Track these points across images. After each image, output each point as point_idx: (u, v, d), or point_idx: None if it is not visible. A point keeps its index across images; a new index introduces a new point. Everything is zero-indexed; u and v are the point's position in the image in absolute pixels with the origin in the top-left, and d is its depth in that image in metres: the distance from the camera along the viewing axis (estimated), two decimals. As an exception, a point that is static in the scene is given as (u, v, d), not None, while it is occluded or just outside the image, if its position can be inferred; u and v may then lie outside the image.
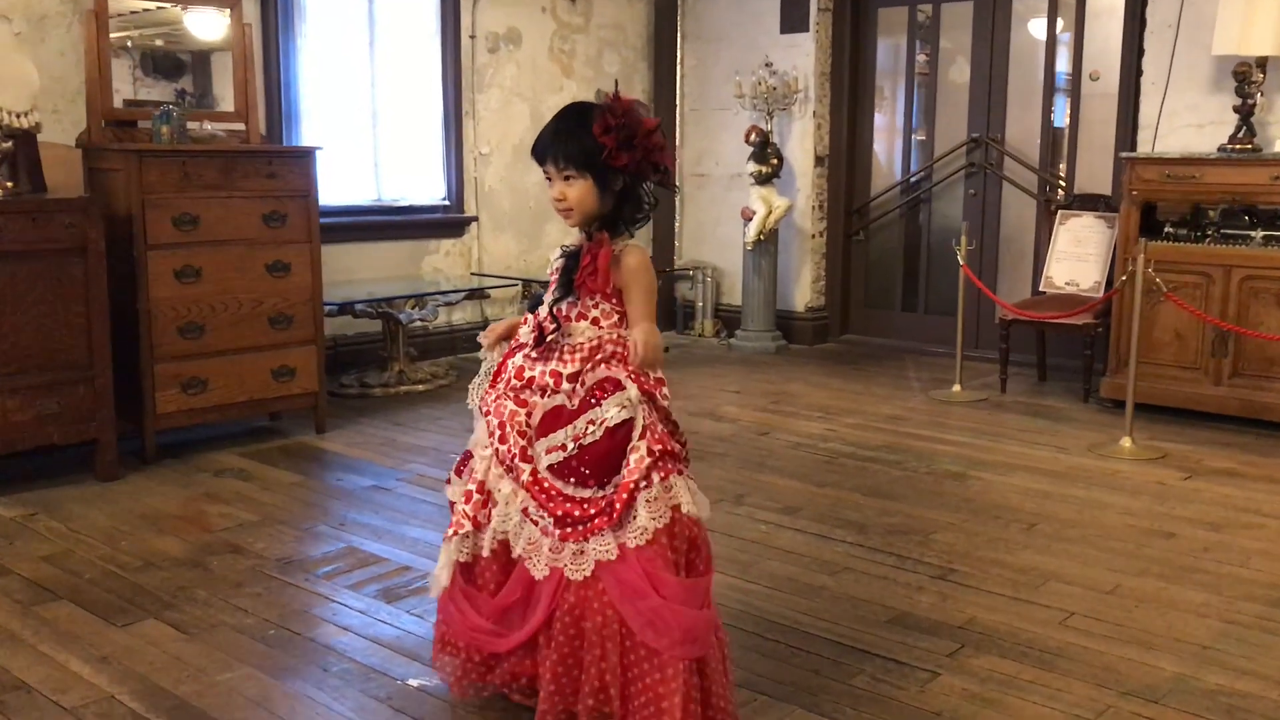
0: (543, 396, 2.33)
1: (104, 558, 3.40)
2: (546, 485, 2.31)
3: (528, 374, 2.37)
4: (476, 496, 2.39)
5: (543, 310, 2.42)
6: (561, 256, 2.44)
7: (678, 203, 7.57)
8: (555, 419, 2.32)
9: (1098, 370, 5.50)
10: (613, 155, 2.27)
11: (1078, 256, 5.81)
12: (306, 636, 2.87)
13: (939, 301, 6.88)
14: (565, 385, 2.31)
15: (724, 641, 2.45)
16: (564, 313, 2.38)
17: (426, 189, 6.37)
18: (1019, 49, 6.49)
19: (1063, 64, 6.44)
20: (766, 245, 6.83)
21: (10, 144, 4.04)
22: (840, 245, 7.22)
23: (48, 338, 3.97)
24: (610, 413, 2.29)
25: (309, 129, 5.73)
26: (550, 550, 2.28)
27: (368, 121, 6.03)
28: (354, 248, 6.01)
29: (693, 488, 2.34)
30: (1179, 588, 3.25)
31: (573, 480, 2.30)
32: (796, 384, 6.00)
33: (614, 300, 2.35)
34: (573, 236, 2.47)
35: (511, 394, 2.37)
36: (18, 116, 3.95)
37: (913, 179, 7.04)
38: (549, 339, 2.36)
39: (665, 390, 2.42)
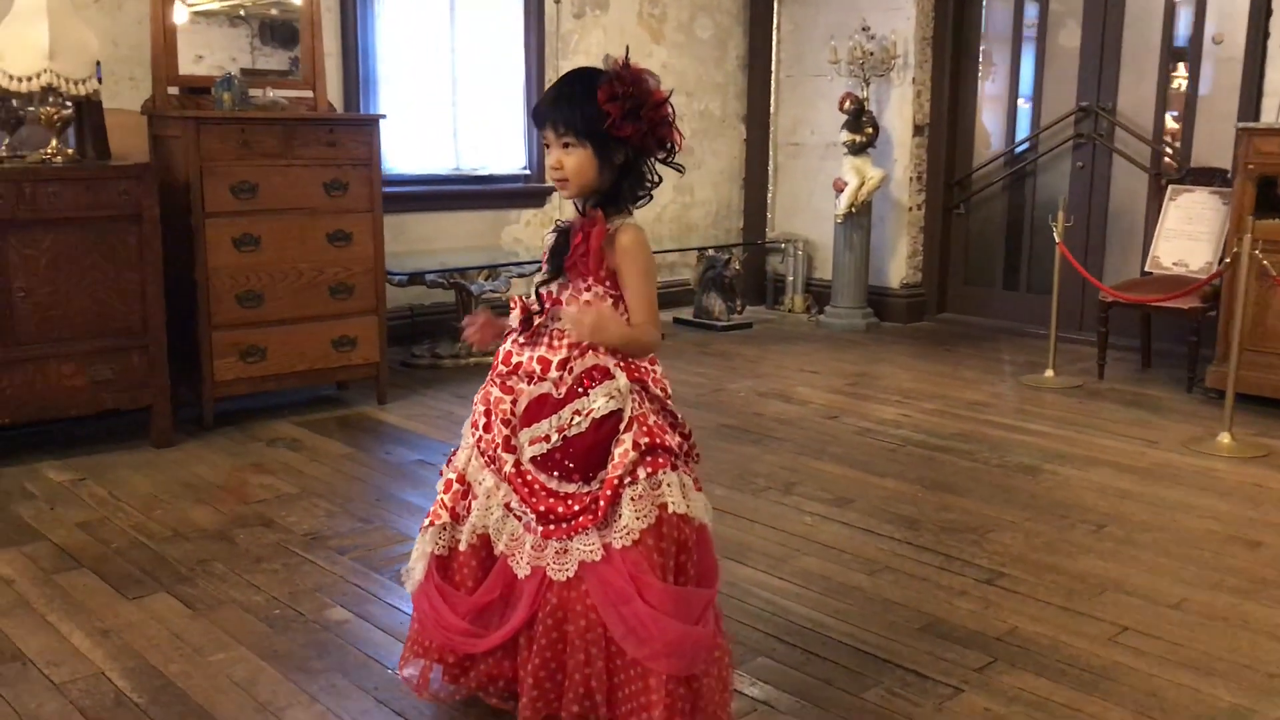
0: (529, 383, 2.18)
1: (135, 526, 3.41)
2: (530, 478, 2.16)
3: (515, 359, 2.22)
4: (456, 487, 2.26)
5: (530, 293, 2.28)
6: (553, 233, 2.28)
7: (770, 172, 7.34)
8: (540, 408, 2.16)
9: (1205, 358, 5.11)
10: (616, 125, 2.09)
11: (1189, 235, 5.40)
12: (311, 618, 2.80)
13: (1043, 280, 6.49)
14: (553, 372, 2.15)
15: (726, 651, 2.29)
16: (554, 295, 2.22)
17: (507, 158, 6.28)
18: (1135, 10, 6.05)
19: (1183, 26, 5.98)
20: (859, 218, 6.55)
21: (70, 110, 4.07)
22: (939, 219, 6.89)
23: (102, 304, 4.00)
24: (597, 403, 2.13)
25: (386, 96, 5.69)
26: (533, 548, 2.15)
27: (447, 89, 5.96)
28: (431, 217, 5.97)
29: (687, 485, 2.17)
30: (1255, 605, 2.95)
31: (557, 474, 2.15)
32: (881, 365, 5.75)
33: (608, 283, 2.18)
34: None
35: (498, 380, 2.23)
36: (76, 84, 3.96)
37: (1017, 150, 6.66)
38: (536, 323, 2.22)
39: (658, 371, 2.23)
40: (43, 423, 4.08)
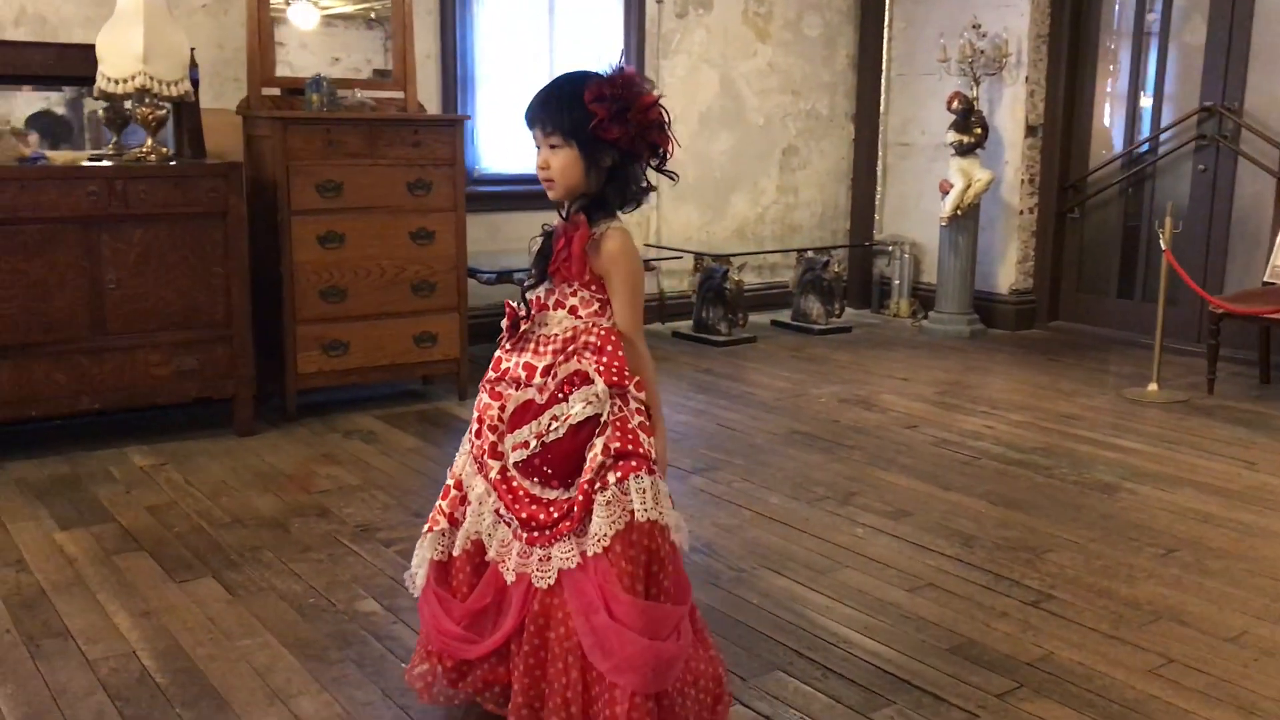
0: (516, 389, 2.18)
1: (200, 512, 3.55)
2: (514, 485, 2.17)
3: (504, 365, 2.21)
4: (454, 493, 2.27)
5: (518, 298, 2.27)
6: (539, 237, 2.26)
7: (879, 173, 7.19)
8: (524, 414, 2.16)
9: (1323, 375, 4.80)
10: (603, 126, 2.07)
11: (1312, 243, 5.08)
12: (341, 610, 2.87)
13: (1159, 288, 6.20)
14: (538, 378, 2.15)
15: (716, 662, 2.26)
16: (541, 300, 2.21)
17: (604, 157, 6.29)
18: (1266, 5, 5.71)
19: (1317, 22, 5.63)
20: (965, 221, 6.37)
21: (165, 111, 4.25)
22: (1052, 223, 6.64)
23: (188, 297, 4.17)
24: (575, 408, 2.11)
25: (483, 96, 5.78)
26: (519, 555, 2.15)
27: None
28: (525, 216, 6.00)
29: (661, 493, 2.14)
30: (1322, 642, 2.76)
31: (538, 480, 2.15)
32: (976, 373, 5.57)
33: (594, 287, 2.16)
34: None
35: (487, 386, 2.23)
36: (169, 85, 4.13)
37: (1135, 152, 6.37)
38: (523, 329, 2.21)
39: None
40: (130, 410, 4.28)
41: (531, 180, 6.51)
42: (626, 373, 2.12)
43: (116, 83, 4.07)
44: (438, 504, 2.29)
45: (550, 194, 2.20)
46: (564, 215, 2.21)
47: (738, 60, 6.70)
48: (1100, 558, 3.26)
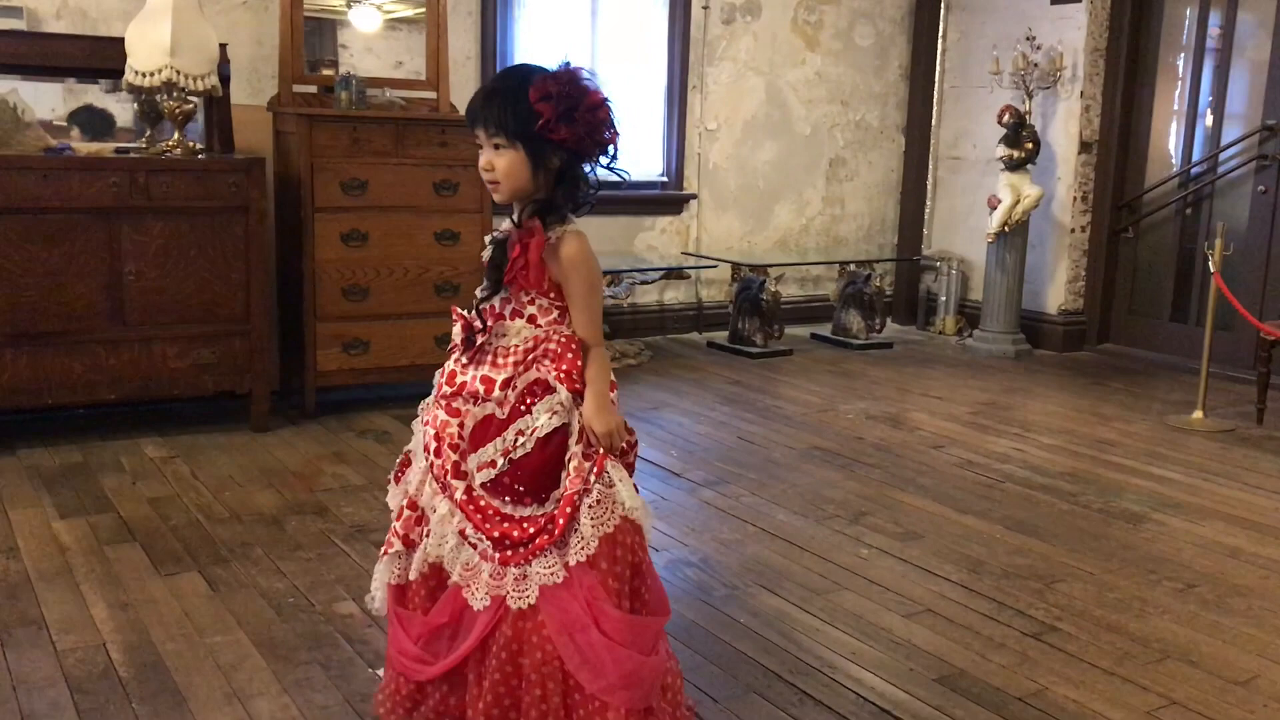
0: (475, 404, 2.07)
1: (200, 506, 3.54)
2: (483, 504, 2.06)
3: (459, 379, 2.10)
4: (408, 513, 2.16)
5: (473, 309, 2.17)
6: (490, 245, 2.13)
7: (929, 187, 7.04)
8: (485, 430, 2.06)
9: (1379, 408, 4.57)
10: (549, 127, 1.96)
11: (1372, 270, 4.85)
12: (319, 610, 2.83)
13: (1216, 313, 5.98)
14: (497, 392, 2.05)
15: (675, 674, 2.18)
16: (497, 310, 2.10)
17: (644, 164, 6.24)
18: (1334, 21, 5.49)
19: (1388, 39, 5.39)
20: (1013, 239, 6.19)
21: (192, 105, 4.27)
22: (1104, 242, 6.43)
23: (207, 291, 4.18)
24: (540, 420, 2.03)
25: (522, 99, 5.74)
26: (491, 576, 2.04)
27: (584, 93, 5.95)
28: (563, 220, 5.98)
29: (629, 481, 2.07)
30: (1340, 691, 2.60)
31: (508, 499, 2.05)
32: (1015, 394, 5.41)
33: (551, 294, 2.06)
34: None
35: (443, 402, 2.11)
36: (196, 79, 4.15)
37: (1193, 171, 6.15)
38: (479, 341, 2.09)
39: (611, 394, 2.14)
40: (146, 401, 4.30)
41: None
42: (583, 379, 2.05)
43: (144, 75, 4.10)
44: (392, 525, 2.18)
45: (496, 197, 2.10)
46: (515, 221, 2.11)
47: (785, 68, 6.60)
48: (1113, 590, 3.12)
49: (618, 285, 5.65)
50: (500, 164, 2.02)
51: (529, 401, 2.05)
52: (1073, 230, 6.40)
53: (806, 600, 2.99)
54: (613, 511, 2.02)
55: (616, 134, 2.04)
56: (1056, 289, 6.48)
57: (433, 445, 2.12)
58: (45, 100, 4.49)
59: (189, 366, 4.19)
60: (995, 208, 6.17)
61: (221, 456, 4.04)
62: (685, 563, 3.22)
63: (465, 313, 2.12)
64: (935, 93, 6.94)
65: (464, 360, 2.11)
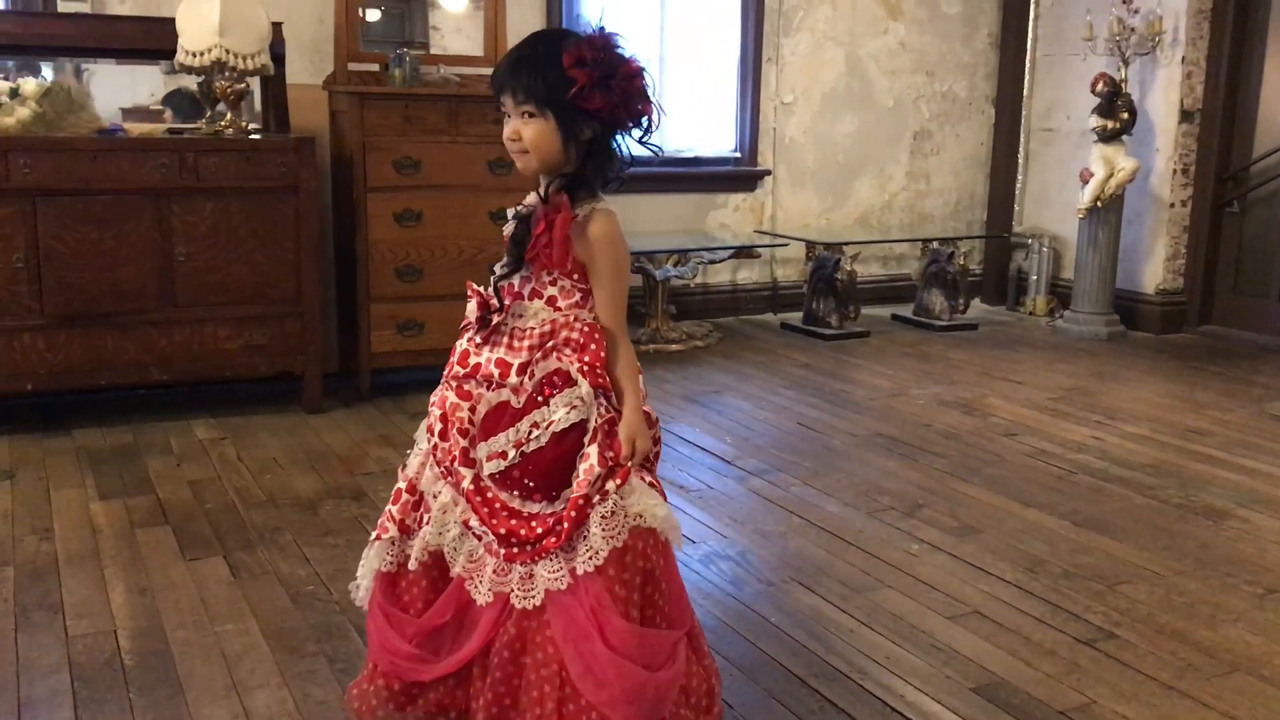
0: (489, 389, 1.96)
1: (239, 489, 3.51)
2: (490, 496, 1.94)
3: (473, 360, 1.98)
4: (406, 497, 2.05)
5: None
6: (513, 220, 2.02)
7: (1021, 160, 6.72)
8: (499, 419, 1.94)
9: None
10: (584, 94, 1.84)
11: None
12: (333, 601, 2.76)
13: (1327, 292, 5.59)
14: (513, 378, 1.93)
15: (712, 673, 2.06)
16: (515, 289, 1.98)
17: (716, 140, 6.06)
18: None
19: None
20: (1106, 214, 5.86)
21: (244, 85, 4.24)
22: (1207, 217, 6.05)
23: (258, 272, 4.15)
24: (557, 414, 1.90)
25: (589, 75, 5.62)
26: (495, 572, 1.93)
27: (654, 69, 5.78)
28: (631, 199, 5.82)
29: (653, 491, 1.95)
30: None
31: (517, 493, 1.93)
32: (1103, 379, 5.11)
33: (575, 276, 1.94)
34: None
35: (454, 384, 1.99)
36: (246, 59, 4.12)
37: (1306, 140, 5.74)
38: (495, 321, 1.98)
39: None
40: (198, 382, 4.30)
41: (638, 162, 6.44)
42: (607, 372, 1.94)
43: (194, 55, 4.08)
44: (387, 509, 2.07)
45: (522, 168, 1.97)
46: (542, 195, 1.99)
47: (866, 38, 6.35)
48: (1183, 594, 2.88)
49: (684, 265, 5.50)
50: (528, 133, 1.90)
51: (547, 392, 1.92)
52: (1172, 205, 6.04)
53: (844, 599, 2.82)
54: (626, 522, 1.90)
55: (651, 105, 1.92)
56: (1154, 267, 6.13)
57: (437, 427, 2.00)
58: (144, 84, 4.51)
59: (241, 348, 4.18)
60: (1087, 182, 5.85)
61: (270, 438, 4.02)
62: (721, 556, 3.08)
63: (482, 289, 2.00)
64: (1027, 61, 6.62)
65: (478, 340, 1.99)
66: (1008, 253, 6.79)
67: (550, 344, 1.94)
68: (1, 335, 3.83)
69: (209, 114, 4.36)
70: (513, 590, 1.91)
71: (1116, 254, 5.95)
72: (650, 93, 1.93)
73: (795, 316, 6.09)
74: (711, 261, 5.66)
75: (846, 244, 5.85)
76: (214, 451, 3.87)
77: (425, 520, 2.02)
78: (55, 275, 3.86)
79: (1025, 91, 6.64)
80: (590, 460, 1.90)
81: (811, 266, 5.90)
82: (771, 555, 3.09)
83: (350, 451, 3.90)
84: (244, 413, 4.30)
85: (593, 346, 1.94)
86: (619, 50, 1.89)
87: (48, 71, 4.42)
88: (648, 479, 1.98)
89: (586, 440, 1.91)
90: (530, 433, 1.92)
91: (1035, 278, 6.56)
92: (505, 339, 1.97)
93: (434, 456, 2.01)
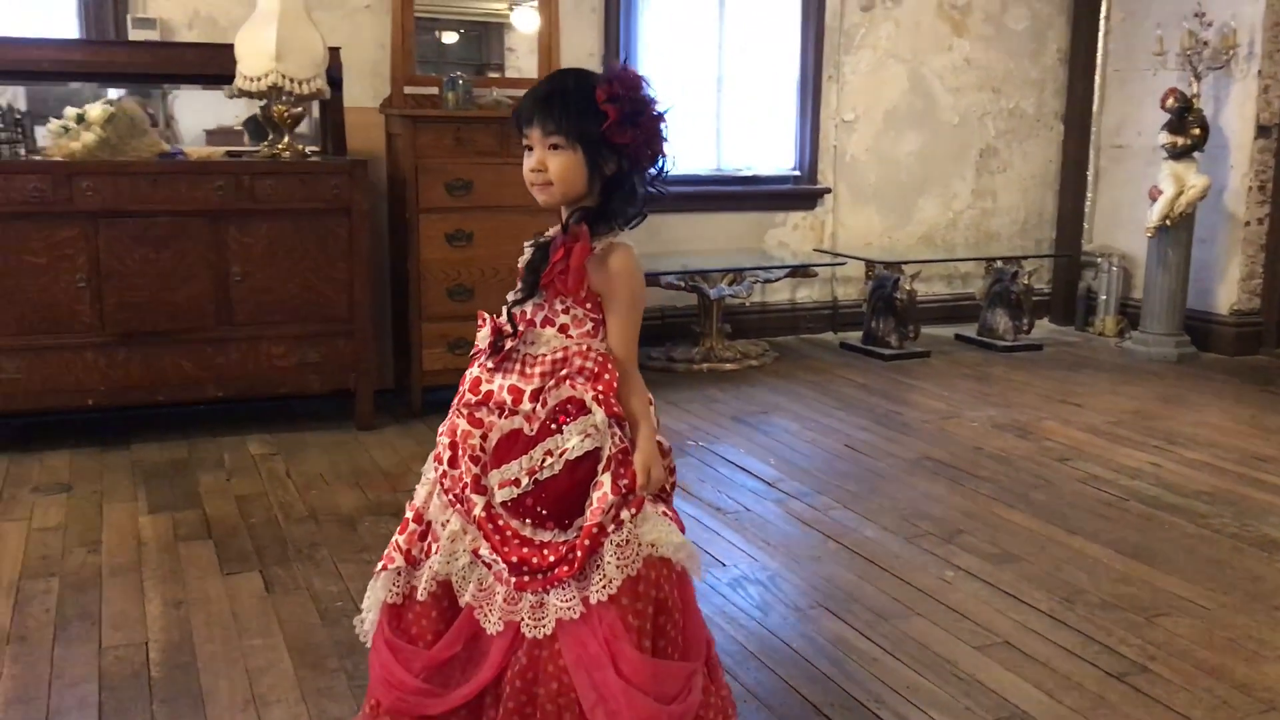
0: (500, 416, 1.96)
1: (283, 504, 3.58)
2: (501, 524, 1.94)
3: (485, 387, 1.98)
4: (413, 527, 2.04)
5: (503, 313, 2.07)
6: (531, 247, 2.04)
7: (1090, 178, 6.58)
8: (511, 446, 1.94)
9: None
10: (614, 129, 1.88)
11: None
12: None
13: None
14: (525, 405, 1.93)
15: (728, 703, 2.05)
16: (528, 316, 1.99)
17: (774, 158, 6.04)
18: None
19: None
20: (1176, 233, 5.72)
21: (300, 109, 4.35)
22: (1285, 236, 5.87)
23: (311, 291, 4.24)
24: (571, 442, 1.90)
25: (646, 95, 5.64)
26: (506, 601, 1.93)
27: (712, 86, 5.82)
28: (689, 218, 5.86)
29: (668, 522, 1.95)
30: None
31: (529, 521, 1.93)
32: (1168, 402, 4.97)
33: (589, 305, 1.95)
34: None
35: (465, 411, 2.00)
36: (301, 84, 4.22)
37: (1388, 156, 5.53)
38: (508, 347, 1.98)
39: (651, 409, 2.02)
40: (253, 399, 4.40)
41: (690, 181, 6.40)
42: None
43: (251, 81, 4.19)
44: (394, 539, 2.06)
45: (543, 199, 1.97)
46: (563, 225, 2.01)
47: (930, 55, 6.28)
48: (1227, 628, 2.79)
49: (739, 284, 5.48)
50: (555, 165, 1.92)
51: (561, 420, 1.92)
52: (1247, 223, 5.86)
53: (871, 626, 2.78)
54: (639, 554, 1.90)
55: (669, 147, 1.97)
56: (1228, 287, 5.95)
57: (446, 455, 2.01)
58: (229, 107, 4.63)
59: (294, 365, 4.27)
60: (1156, 199, 5.71)
61: (320, 454, 4.09)
62: (750, 580, 3.06)
63: (494, 316, 2.02)
64: (1097, 77, 6.48)
65: (489, 366, 2.00)
66: (1077, 272, 6.65)
67: (564, 371, 1.94)
68: (64, 352, 3.97)
69: (270, 137, 4.47)
70: (523, 619, 1.91)
71: (1187, 273, 5.80)
72: (667, 135, 1.96)
73: (855, 336, 6.03)
74: (767, 280, 5.63)
75: (905, 263, 5.78)
76: (264, 467, 3.95)
77: (433, 550, 2.01)
78: (116, 294, 3.99)
79: (1095, 108, 6.51)
80: (604, 488, 1.89)
81: (871, 285, 5.84)
82: (802, 580, 3.06)
83: (395, 468, 3.95)
84: (298, 429, 4.39)
85: (606, 376, 1.93)
86: (647, 90, 1.93)
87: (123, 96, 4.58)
88: (661, 509, 1.97)
89: (600, 468, 1.91)
90: (544, 460, 1.91)
91: (1104, 297, 6.42)
92: (517, 366, 1.97)
93: (442, 485, 2.01)
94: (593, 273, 1.93)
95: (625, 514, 1.89)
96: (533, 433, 1.93)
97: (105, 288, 3.98)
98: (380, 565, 2.06)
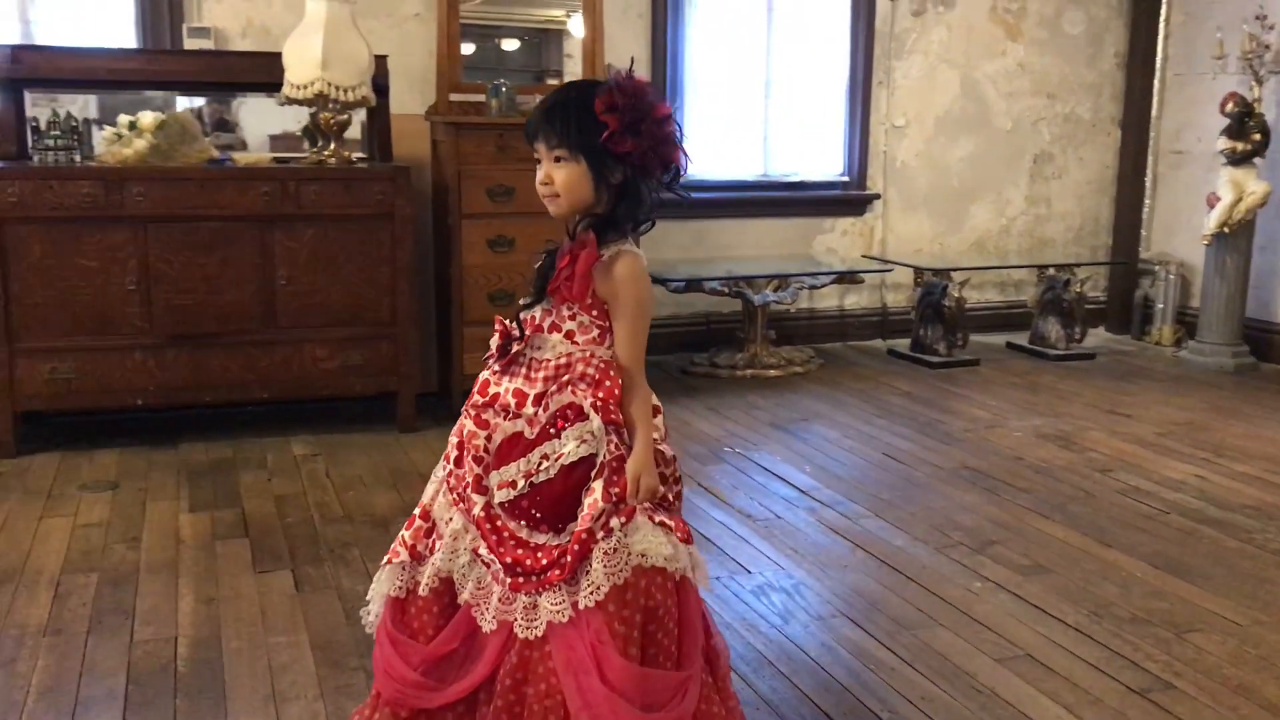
0: (505, 418, 1.99)
1: (320, 505, 3.65)
2: (499, 524, 1.97)
3: (492, 390, 2.03)
4: (419, 523, 2.09)
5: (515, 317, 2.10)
6: (541, 254, 2.08)
7: (1148, 184, 6.46)
8: (512, 448, 1.97)
9: None
10: (615, 139, 1.90)
11: None
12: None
13: None
14: (528, 409, 1.97)
15: (733, 713, 2.05)
16: (536, 321, 2.03)
17: (823, 164, 6.02)
18: None
19: None
20: (1235, 240, 5.59)
21: (346, 116, 4.42)
22: (1349, 244, 5.71)
23: (355, 296, 4.31)
24: (567, 447, 1.93)
25: (693, 101, 5.66)
26: (501, 600, 1.97)
27: (759, 92, 5.81)
28: (736, 224, 5.86)
29: (669, 535, 1.94)
30: None
31: (524, 523, 1.96)
32: (1221, 415, 4.86)
33: (595, 312, 1.98)
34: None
35: (472, 412, 2.04)
36: (347, 91, 4.29)
37: None
38: (514, 350, 2.02)
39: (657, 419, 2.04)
40: (297, 400, 4.47)
41: (740, 187, 6.39)
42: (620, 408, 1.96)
43: (298, 88, 4.27)
44: (401, 534, 2.11)
45: (553, 210, 2.02)
46: (570, 234, 2.04)
47: (982, 60, 6.21)
48: (1259, 646, 2.72)
49: (784, 290, 5.46)
50: (560, 177, 1.96)
51: (560, 425, 1.95)
52: (1310, 230, 5.72)
53: (892, 636, 2.77)
54: (628, 560, 1.91)
55: (681, 150, 1.97)
56: (1290, 296, 5.81)
57: (453, 454, 2.06)
58: (292, 115, 4.69)
59: (338, 368, 4.34)
60: (1214, 206, 5.59)
61: (360, 456, 4.16)
62: (774, 587, 3.05)
63: (504, 320, 2.05)
64: (1155, 81, 6.36)
65: (496, 368, 2.04)
66: (1134, 280, 6.52)
67: (566, 377, 1.97)
68: (114, 353, 4.08)
69: (320, 143, 4.56)
70: (516, 620, 1.94)
71: (1246, 282, 5.67)
72: (679, 139, 1.97)
73: (904, 343, 5.98)
74: (813, 287, 5.61)
75: (953, 270, 5.72)
76: (305, 468, 4.02)
77: (437, 546, 2.05)
78: (164, 297, 4.09)
79: (1154, 112, 6.38)
80: (595, 495, 1.91)
81: (919, 293, 5.79)
82: (826, 589, 3.05)
83: (431, 470, 3.99)
84: (341, 430, 4.46)
85: (607, 383, 1.96)
86: (650, 96, 1.93)
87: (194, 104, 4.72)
88: (659, 518, 1.97)
89: (594, 475, 1.93)
90: (540, 464, 1.94)
91: (1161, 306, 6.29)
92: (524, 369, 2.01)
93: (448, 484, 2.06)
94: (599, 280, 1.96)
95: (615, 522, 1.90)
96: (533, 436, 1.96)
97: (154, 290, 4.08)
98: (386, 559, 2.10)
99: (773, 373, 5.42)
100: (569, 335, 1.99)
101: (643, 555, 1.92)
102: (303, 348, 4.29)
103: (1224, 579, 3.12)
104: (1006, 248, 6.46)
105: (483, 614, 1.98)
